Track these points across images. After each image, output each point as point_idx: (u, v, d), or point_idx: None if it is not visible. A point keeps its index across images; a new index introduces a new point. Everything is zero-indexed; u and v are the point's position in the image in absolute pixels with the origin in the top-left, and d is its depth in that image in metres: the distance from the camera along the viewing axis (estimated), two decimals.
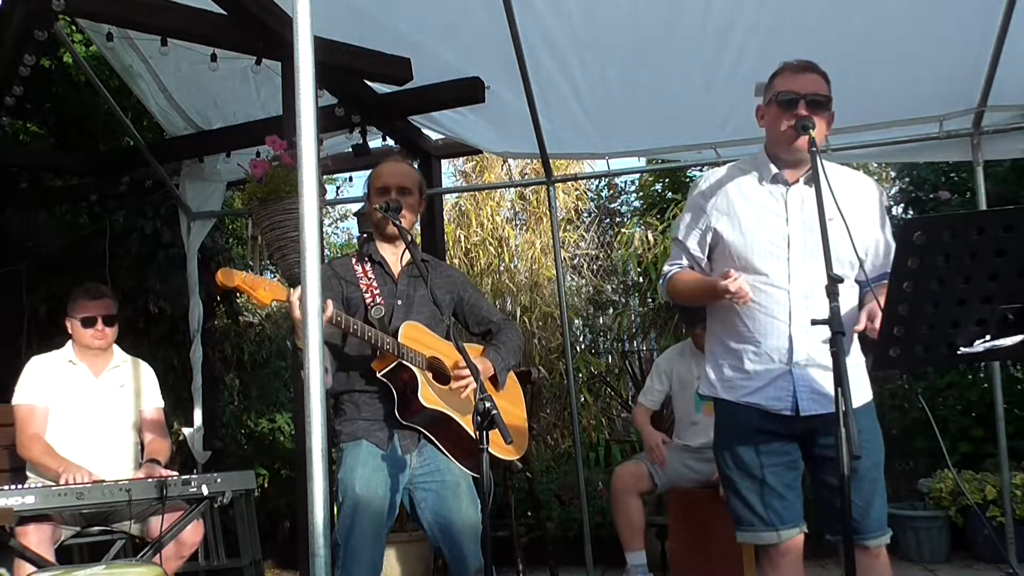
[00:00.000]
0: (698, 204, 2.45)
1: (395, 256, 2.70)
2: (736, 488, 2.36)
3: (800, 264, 2.27)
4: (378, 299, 2.61)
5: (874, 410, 2.38)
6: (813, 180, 2.16)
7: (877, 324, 2.03)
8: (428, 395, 2.52)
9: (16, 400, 3.30)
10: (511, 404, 2.78)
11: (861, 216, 2.31)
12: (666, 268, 2.54)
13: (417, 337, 2.58)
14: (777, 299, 2.28)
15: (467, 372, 2.54)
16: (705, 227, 2.42)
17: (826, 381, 2.14)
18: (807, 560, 2.40)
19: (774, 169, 2.35)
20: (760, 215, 2.34)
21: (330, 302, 2.33)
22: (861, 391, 2.32)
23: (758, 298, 2.29)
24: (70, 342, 3.45)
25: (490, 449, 2.19)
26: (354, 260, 2.72)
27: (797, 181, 2.33)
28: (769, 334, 2.29)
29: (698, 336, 3.94)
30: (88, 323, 3.40)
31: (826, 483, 2.30)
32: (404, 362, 2.49)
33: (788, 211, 2.32)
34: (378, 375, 2.50)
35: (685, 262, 2.48)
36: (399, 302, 2.65)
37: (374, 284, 2.65)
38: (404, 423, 2.52)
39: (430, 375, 2.58)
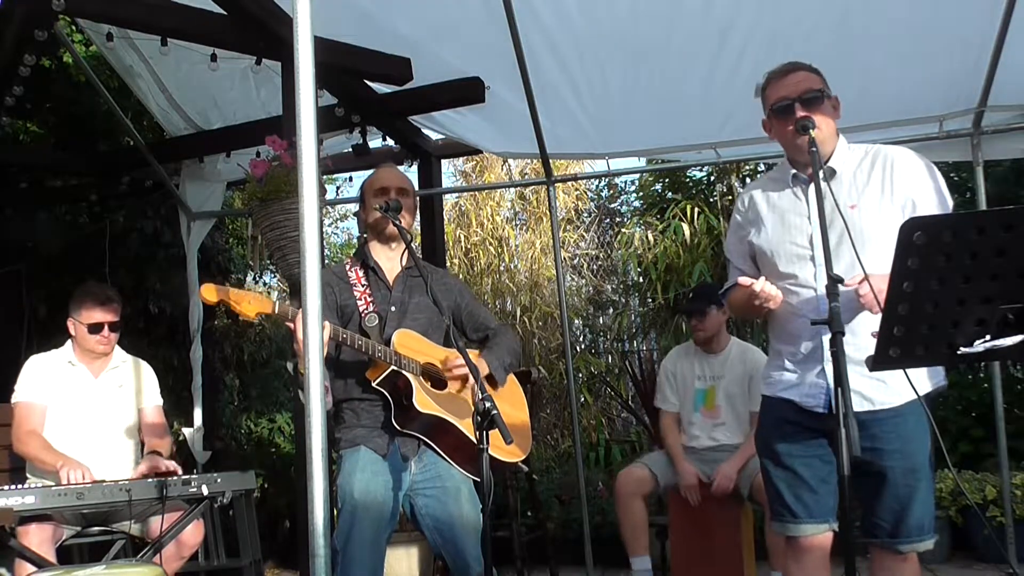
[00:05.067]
0: (735, 220, 2.56)
1: (391, 260, 2.68)
2: (769, 477, 2.39)
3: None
4: (371, 307, 2.60)
5: (921, 410, 2.21)
6: (829, 175, 2.23)
7: (857, 281, 2.04)
8: (424, 400, 2.49)
9: (15, 398, 3.29)
10: (512, 407, 2.76)
11: (888, 191, 2.30)
12: (724, 288, 2.63)
13: (411, 344, 2.56)
14: (807, 299, 2.30)
15: (459, 364, 2.52)
16: (743, 241, 2.50)
17: (861, 379, 2.12)
18: (834, 558, 2.33)
19: (793, 172, 2.39)
20: (783, 219, 2.38)
21: (326, 323, 2.29)
22: (901, 388, 2.20)
23: (790, 299, 2.32)
24: (69, 342, 3.42)
25: (494, 453, 2.17)
26: (348, 265, 2.71)
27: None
28: (803, 333, 2.31)
29: (695, 329, 3.97)
30: (95, 330, 3.36)
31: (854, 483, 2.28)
32: (397, 369, 2.47)
33: (810, 209, 2.33)
34: (373, 384, 2.48)
35: (736, 278, 2.52)
36: (392, 308, 2.63)
37: (368, 291, 2.63)
38: (402, 431, 2.51)
39: (427, 382, 2.56)
